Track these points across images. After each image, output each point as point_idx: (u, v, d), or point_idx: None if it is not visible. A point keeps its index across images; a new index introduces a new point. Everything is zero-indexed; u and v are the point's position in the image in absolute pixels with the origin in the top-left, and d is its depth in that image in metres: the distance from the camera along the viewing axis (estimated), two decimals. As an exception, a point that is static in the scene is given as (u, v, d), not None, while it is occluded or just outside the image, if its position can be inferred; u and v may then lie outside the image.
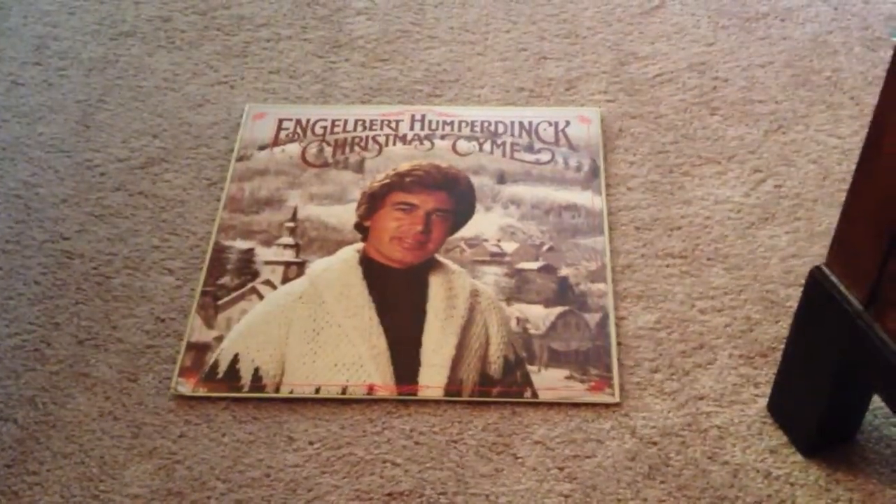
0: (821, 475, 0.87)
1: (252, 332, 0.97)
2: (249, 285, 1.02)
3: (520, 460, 0.88)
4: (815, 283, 0.80)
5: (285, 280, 1.02)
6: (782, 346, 0.93)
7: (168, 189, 1.11)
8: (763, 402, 0.91)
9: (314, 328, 0.97)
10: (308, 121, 1.17)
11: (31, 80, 1.25)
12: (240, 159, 1.14)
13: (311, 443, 0.90)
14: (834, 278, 0.78)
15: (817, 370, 0.84)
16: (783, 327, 0.96)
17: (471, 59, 1.26)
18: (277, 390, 0.93)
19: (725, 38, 1.27)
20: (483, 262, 1.03)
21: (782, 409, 0.90)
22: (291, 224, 1.07)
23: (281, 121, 1.18)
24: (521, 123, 1.16)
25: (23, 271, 1.04)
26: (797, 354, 0.86)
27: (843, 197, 1.08)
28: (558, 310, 0.99)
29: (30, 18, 1.33)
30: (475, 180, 1.10)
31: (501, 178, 1.11)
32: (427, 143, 1.14)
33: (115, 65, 1.26)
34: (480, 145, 1.14)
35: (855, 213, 0.75)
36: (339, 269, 1.02)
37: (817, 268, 0.80)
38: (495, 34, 1.29)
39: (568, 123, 1.16)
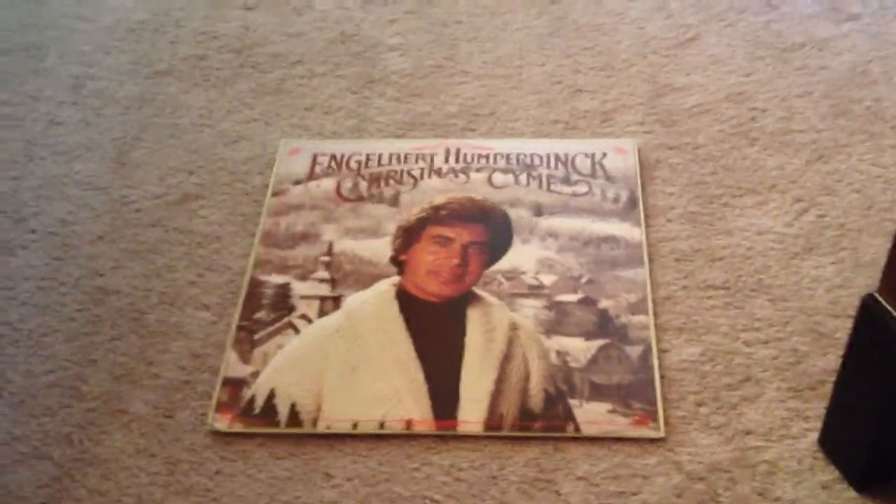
0: (876, 512, 0.84)
1: (288, 367, 0.96)
2: (285, 320, 1.01)
3: (563, 497, 0.86)
4: (867, 312, 0.78)
5: (321, 314, 1.01)
6: (831, 379, 0.90)
7: (204, 225, 1.11)
8: (813, 436, 0.89)
9: (351, 363, 0.96)
10: (343, 155, 1.17)
11: (69, 119, 1.26)
12: (275, 194, 1.13)
13: (348, 479, 0.88)
14: (887, 306, 0.76)
15: (870, 402, 0.81)
16: (832, 359, 0.94)
17: (505, 92, 1.25)
18: (314, 426, 0.92)
19: (762, 68, 1.26)
20: (521, 295, 1.01)
21: (834, 443, 0.87)
22: (327, 258, 1.06)
23: (316, 156, 1.17)
24: (556, 155, 1.15)
25: (59, 308, 1.04)
26: (848, 386, 0.83)
27: (888, 226, 1.06)
28: (599, 342, 0.97)
29: (66, 59, 1.34)
30: (512, 213, 1.09)
31: (538, 211, 1.09)
32: (462, 176, 1.14)
33: (151, 103, 1.27)
34: (516, 178, 1.13)
35: (907, 238, 0.73)
36: (375, 302, 1.01)
37: (869, 295, 0.78)
38: (529, 68, 1.28)
39: (604, 155, 1.15)
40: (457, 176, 1.14)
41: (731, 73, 1.25)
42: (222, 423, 0.93)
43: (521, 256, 1.05)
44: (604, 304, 1.00)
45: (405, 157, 1.16)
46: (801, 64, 1.26)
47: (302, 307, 1.02)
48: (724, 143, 1.17)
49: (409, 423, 0.91)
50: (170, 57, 1.33)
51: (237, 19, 1.38)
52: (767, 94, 1.22)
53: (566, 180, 1.13)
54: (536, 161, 1.15)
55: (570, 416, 0.91)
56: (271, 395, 0.94)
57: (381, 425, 0.91)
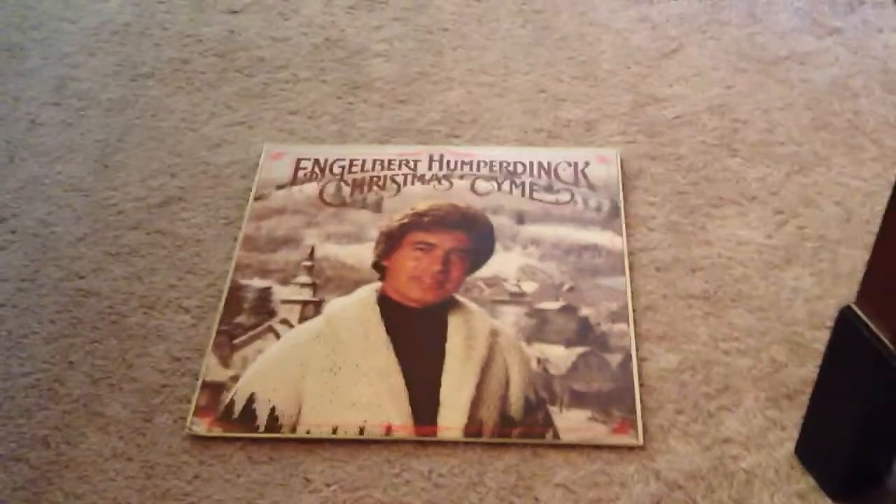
0: (852, 521, 0.84)
1: (268, 372, 0.96)
2: (266, 324, 1.00)
3: (542, 503, 0.86)
4: (845, 323, 0.78)
5: (302, 319, 1.00)
6: (809, 389, 0.91)
7: (185, 228, 1.11)
8: (790, 445, 0.89)
9: (331, 367, 0.96)
10: (326, 160, 1.17)
11: (50, 119, 1.25)
12: (257, 198, 1.13)
13: (327, 484, 0.88)
14: (864, 318, 0.77)
15: (846, 413, 0.81)
16: (810, 370, 0.95)
17: (489, 100, 1.25)
18: (294, 430, 0.92)
19: (745, 80, 1.27)
20: (502, 302, 1.01)
21: (810, 452, 0.87)
22: (309, 263, 1.06)
23: (299, 160, 1.17)
24: (540, 164, 1.16)
25: (38, 310, 1.03)
26: (825, 397, 0.84)
27: (867, 239, 1.07)
28: (579, 350, 0.97)
29: (49, 60, 1.34)
30: (494, 220, 1.09)
31: (521, 218, 1.10)
32: (445, 183, 1.14)
33: (134, 106, 1.26)
34: (499, 185, 1.13)
35: (887, 249, 0.73)
36: (356, 308, 1.01)
37: (847, 307, 0.78)
38: (513, 76, 1.29)
39: (587, 164, 1.15)
40: (440, 182, 1.14)
41: (713, 84, 1.26)
42: (201, 426, 0.92)
43: (503, 264, 1.05)
44: (584, 312, 1.00)
45: (388, 163, 1.16)
46: (783, 77, 1.27)
47: (283, 312, 1.01)
48: (705, 154, 1.17)
49: (388, 429, 0.91)
50: (153, 60, 1.33)
51: (222, 23, 1.38)
52: (749, 106, 1.23)
53: (549, 188, 1.13)
54: (519, 169, 1.15)
55: (549, 423, 0.91)
56: (251, 400, 0.94)
57: (361, 430, 0.91)
